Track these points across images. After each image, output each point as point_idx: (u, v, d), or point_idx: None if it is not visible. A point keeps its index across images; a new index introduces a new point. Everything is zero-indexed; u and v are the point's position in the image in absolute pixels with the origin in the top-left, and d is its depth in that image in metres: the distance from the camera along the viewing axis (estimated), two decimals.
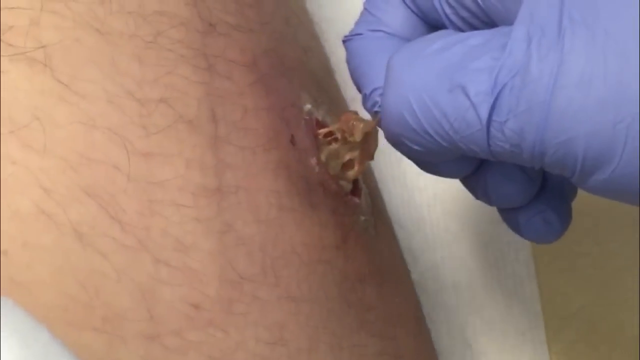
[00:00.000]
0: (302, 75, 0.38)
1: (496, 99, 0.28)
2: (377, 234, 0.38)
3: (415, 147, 0.31)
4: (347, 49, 0.36)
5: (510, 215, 0.36)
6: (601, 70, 0.26)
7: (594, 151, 0.27)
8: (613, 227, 0.49)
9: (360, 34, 0.35)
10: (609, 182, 0.27)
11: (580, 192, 0.45)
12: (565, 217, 0.36)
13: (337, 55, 0.52)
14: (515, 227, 0.36)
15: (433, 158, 0.33)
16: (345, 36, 0.36)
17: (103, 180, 0.29)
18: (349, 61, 0.36)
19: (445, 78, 0.29)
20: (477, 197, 0.36)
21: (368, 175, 0.43)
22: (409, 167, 0.50)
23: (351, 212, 0.36)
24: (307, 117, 0.37)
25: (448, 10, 0.33)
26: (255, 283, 0.31)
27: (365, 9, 0.36)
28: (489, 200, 0.35)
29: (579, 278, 0.47)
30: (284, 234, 0.33)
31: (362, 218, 0.37)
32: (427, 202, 0.50)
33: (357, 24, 0.36)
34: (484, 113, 0.28)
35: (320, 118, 0.37)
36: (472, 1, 0.31)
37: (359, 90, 0.35)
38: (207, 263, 0.30)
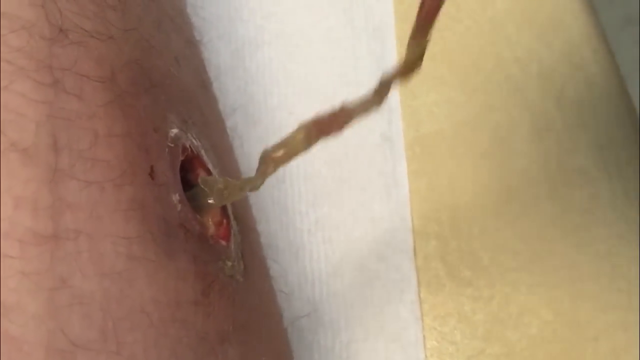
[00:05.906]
0: (170, 91, 0.33)
1: None
2: (247, 280, 0.33)
3: None
4: None
5: None
6: None
7: None
8: (507, 268, 0.45)
9: None
10: None
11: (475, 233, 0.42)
12: None
13: (220, 59, 0.47)
14: None
15: None
16: None
17: None
18: None
19: None
20: None
21: (241, 203, 0.37)
22: (290, 189, 0.46)
23: (216, 258, 0.31)
24: (172, 145, 0.31)
25: None
26: (91, 351, 0.26)
27: None
28: None
29: (468, 324, 0.44)
30: (132, 290, 0.27)
31: (229, 264, 0.32)
32: (307, 228, 0.45)
33: None
34: None
35: (187, 145, 0.32)
36: None
37: None
38: (31, 328, 0.25)
